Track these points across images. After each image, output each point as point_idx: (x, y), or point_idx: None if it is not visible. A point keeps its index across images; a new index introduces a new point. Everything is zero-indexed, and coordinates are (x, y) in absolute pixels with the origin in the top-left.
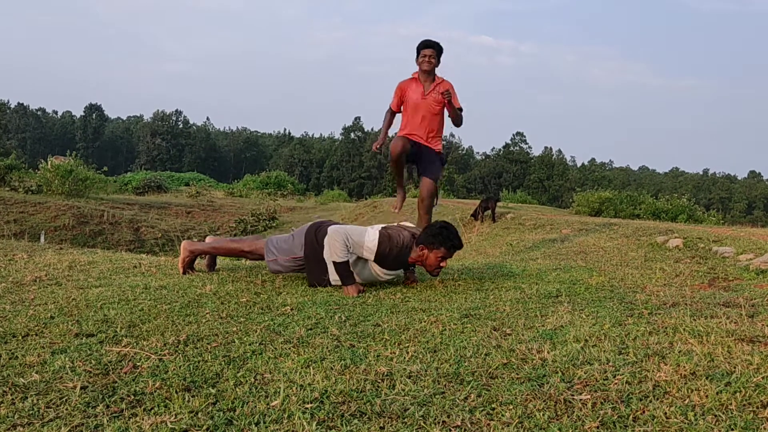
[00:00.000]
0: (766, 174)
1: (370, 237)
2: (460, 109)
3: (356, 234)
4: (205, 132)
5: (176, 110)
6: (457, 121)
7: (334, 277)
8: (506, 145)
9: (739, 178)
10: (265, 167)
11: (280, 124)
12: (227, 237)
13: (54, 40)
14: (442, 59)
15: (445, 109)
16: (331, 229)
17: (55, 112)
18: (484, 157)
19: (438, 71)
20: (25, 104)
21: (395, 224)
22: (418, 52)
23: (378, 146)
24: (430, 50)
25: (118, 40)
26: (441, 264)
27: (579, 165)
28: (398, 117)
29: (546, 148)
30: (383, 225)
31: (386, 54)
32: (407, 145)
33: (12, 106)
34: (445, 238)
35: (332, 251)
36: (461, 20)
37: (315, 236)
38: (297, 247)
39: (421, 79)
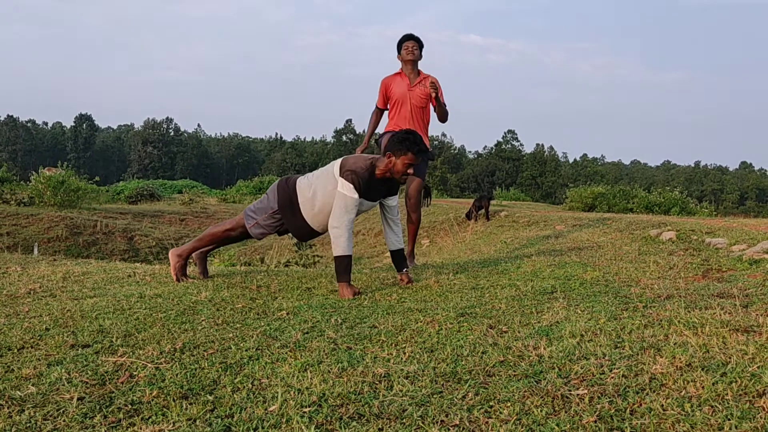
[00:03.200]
0: (757, 164)
1: (344, 187)
2: (444, 105)
3: (339, 201)
4: (197, 139)
5: (167, 118)
6: (443, 117)
7: (317, 222)
8: (498, 144)
9: (730, 169)
10: (257, 172)
11: (271, 129)
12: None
13: (42, 52)
14: (425, 54)
15: (431, 105)
16: (331, 228)
17: (45, 124)
18: (476, 156)
19: (427, 69)
20: (14, 116)
21: (347, 158)
22: (400, 46)
23: (362, 150)
24: (411, 42)
25: (107, 49)
26: (408, 171)
27: (571, 161)
28: (385, 115)
29: (538, 145)
30: (338, 165)
31: (376, 56)
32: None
33: (1, 118)
34: (412, 143)
35: (335, 243)
36: (449, 20)
37: (286, 184)
38: (272, 202)
39: (405, 72)
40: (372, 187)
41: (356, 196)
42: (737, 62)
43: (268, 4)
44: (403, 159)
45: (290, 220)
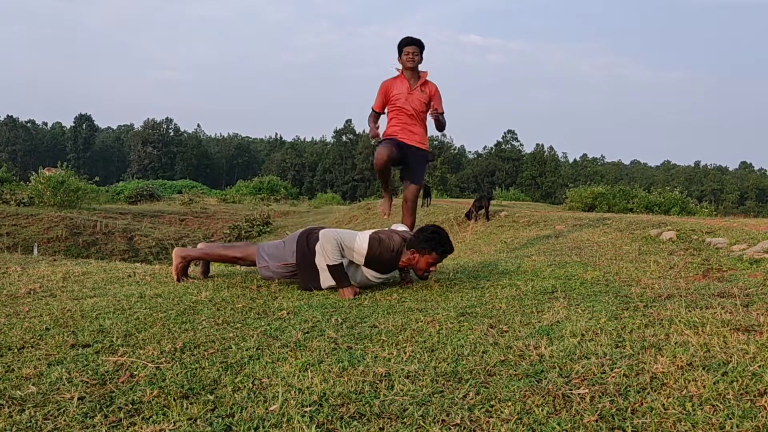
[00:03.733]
0: (757, 164)
1: (360, 241)
2: (442, 114)
3: (347, 238)
4: (197, 139)
5: (167, 118)
6: (440, 126)
7: (326, 284)
8: (498, 144)
9: (730, 169)
10: (257, 172)
11: (271, 129)
12: (220, 243)
13: (42, 52)
14: (426, 55)
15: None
16: (322, 233)
17: (45, 124)
18: (476, 156)
19: (427, 66)
20: (14, 117)
21: (387, 229)
22: (401, 50)
23: (375, 136)
24: (412, 47)
25: (107, 49)
26: (431, 269)
27: (571, 161)
28: (383, 118)
29: (538, 145)
30: (375, 230)
31: (375, 56)
32: (393, 152)
33: (1, 118)
34: (437, 243)
35: (326, 254)
36: (449, 20)
37: (306, 242)
38: (288, 254)
39: (406, 76)
40: (383, 264)
41: (361, 262)
42: (737, 62)
43: (268, 4)
44: (427, 258)
45: (305, 278)
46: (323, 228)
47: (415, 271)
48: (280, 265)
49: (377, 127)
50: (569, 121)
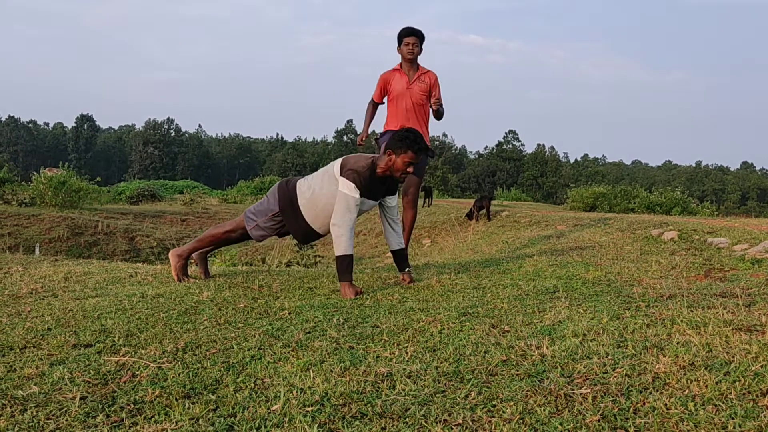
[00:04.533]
0: (759, 164)
1: (344, 187)
2: (441, 105)
3: (338, 198)
4: (198, 139)
5: (168, 118)
6: (438, 115)
7: (319, 224)
8: (499, 144)
9: (731, 169)
10: (258, 173)
11: (272, 129)
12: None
13: (43, 52)
14: (425, 50)
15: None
16: (333, 227)
17: (47, 124)
18: (477, 156)
19: (427, 65)
20: (15, 117)
21: (348, 157)
22: (400, 41)
23: (362, 140)
24: (412, 38)
25: (108, 50)
26: (408, 169)
27: (572, 161)
28: (382, 112)
29: (539, 145)
30: (339, 165)
31: (376, 55)
32: None
33: (3, 119)
34: (412, 141)
35: (337, 243)
36: (449, 20)
37: (286, 186)
38: (273, 204)
39: (404, 68)
40: (373, 186)
41: (357, 195)
42: (738, 62)
43: (269, 4)
44: (403, 157)
45: (292, 222)
46: (298, 177)
47: (393, 173)
48: (267, 218)
49: (367, 129)
50: (570, 121)
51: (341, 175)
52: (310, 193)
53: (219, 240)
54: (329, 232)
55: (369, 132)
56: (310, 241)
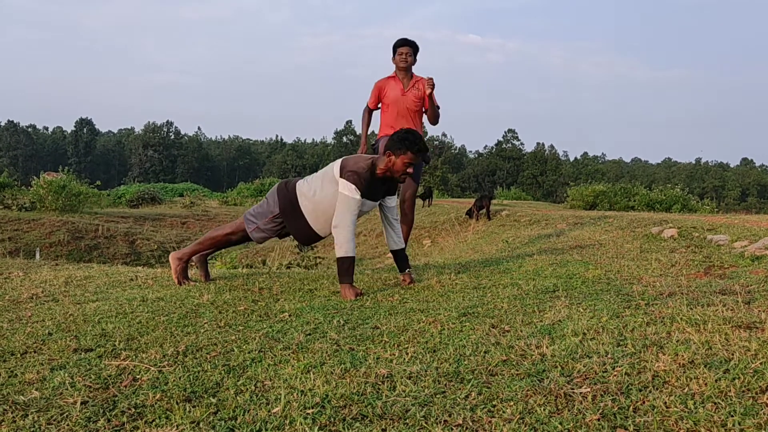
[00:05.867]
0: (758, 161)
1: (344, 188)
2: (437, 107)
3: (341, 202)
4: (197, 142)
5: (167, 121)
6: (434, 119)
7: (319, 226)
8: (499, 143)
9: (731, 165)
10: (258, 174)
11: (271, 131)
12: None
13: (42, 56)
14: (419, 58)
15: (423, 106)
16: (334, 228)
17: (46, 128)
18: (477, 156)
19: (425, 70)
20: (15, 121)
21: (347, 158)
22: (395, 51)
23: (363, 151)
24: (406, 48)
25: (106, 53)
26: (408, 170)
27: (572, 159)
28: (376, 118)
29: (538, 144)
30: (339, 166)
31: (375, 57)
32: None
33: (2, 123)
34: (411, 142)
35: (338, 244)
36: (448, 20)
37: (285, 187)
38: (273, 206)
39: (399, 76)
40: (373, 187)
41: (358, 196)
42: (737, 59)
43: (267, 6)
44: (403, 158)
45: (292, 224)
46: (298, 178)
47: (393, 174)
48: (268, 220)
49: (365, 139)
50: (570, 119)
51: (341, 176)
52: (311, 194)
53: (219, 242)
54: (330, 233)
55: (368, 137)
56: (311, 242)
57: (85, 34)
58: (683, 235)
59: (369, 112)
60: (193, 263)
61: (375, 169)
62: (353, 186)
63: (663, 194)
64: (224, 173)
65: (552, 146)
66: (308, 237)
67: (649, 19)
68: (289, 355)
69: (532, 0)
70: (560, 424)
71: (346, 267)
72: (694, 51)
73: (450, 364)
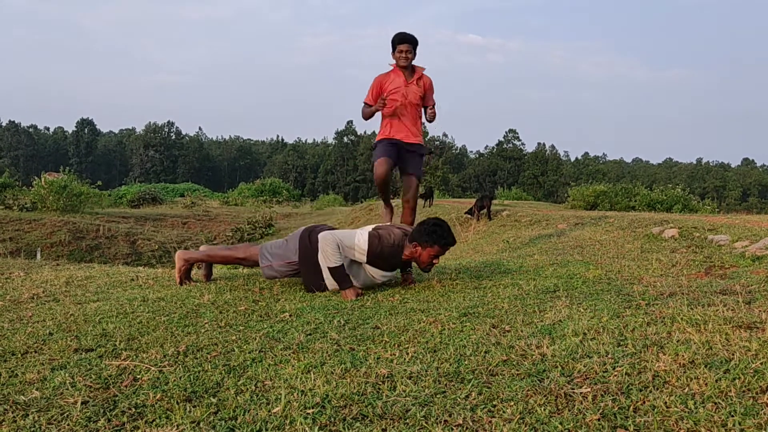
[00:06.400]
0: (759, 161)
1: (360, 239)
2: (434, 105)
3: (347, 238)
4: (198, 142)
5: (168, 121)
6: (431, 119)
7: (330, 282)
8: (499, 143)
9: (732, 165)
10: (259, 175)
11: (272, 131)
12: (223, 246)
13: (43, 57)
14: (422, 52)
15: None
16: (321, 235)
17: (47, 129)
18: (477, 156)
19: (426, 66)
20: (16, 122)
21: (386, 224)
22: (394, 47)
23: (382, 105)
24: (406, 45)
25: (107, 53)
26: (434, 261)
27: (573, 159)
28: (376, 118)
29: (539, 144)
30: (374, 225)
31: (375, 56)
32: (390, 165)
33: (3, 124)
34: (439, 236)
35: (325, 257)
36: (448, 20)
37: (308, 239)
38: (291, 252)
39: (400, 70)
40: (385, 260)
41: (363, 260)
42: (738, 59)
43: (267, 6)
44: (429, 251)
45: (308, 276)
46: (325, 227)
47: (418, 264)
48: (283, 263)
49: (380, 101)
50: (570, 119)
51: (370, 230)
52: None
53: (228, 261)
54: (336, 288)
55: (369, 137)
56: (319, 291)
57: (86, 34)
58: (684, 236)
59: (368, 107)
60: (198, 264)
61: (400, 248)
62: (366, 248)
63: (664, 194)
64: (225, 173)
65: (553, 146)
66: (318, 287)
67: (649, 19)
68: (289, 355)
69: (532, 0)
70: (560, 424)
71: (340, 275)
72: (694, 51)
73: (450, 364)
